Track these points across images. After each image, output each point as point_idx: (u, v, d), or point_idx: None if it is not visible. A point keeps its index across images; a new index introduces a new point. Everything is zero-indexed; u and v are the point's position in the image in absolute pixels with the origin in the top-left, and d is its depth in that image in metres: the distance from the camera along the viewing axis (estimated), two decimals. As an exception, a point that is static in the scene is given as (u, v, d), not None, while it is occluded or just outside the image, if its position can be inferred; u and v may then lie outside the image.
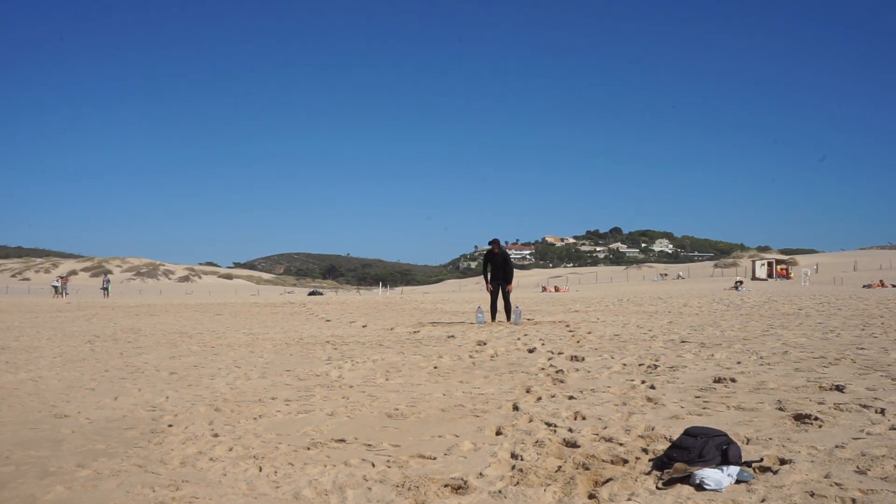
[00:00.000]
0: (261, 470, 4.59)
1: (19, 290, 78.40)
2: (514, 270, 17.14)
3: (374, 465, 4.60)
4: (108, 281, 62.49)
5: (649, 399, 6.44)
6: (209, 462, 4.82)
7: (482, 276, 17.43)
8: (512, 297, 17.07)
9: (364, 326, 16.86)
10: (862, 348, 9.56)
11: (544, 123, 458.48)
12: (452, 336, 13.32)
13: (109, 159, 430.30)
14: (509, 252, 19.01)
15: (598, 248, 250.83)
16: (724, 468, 4.04)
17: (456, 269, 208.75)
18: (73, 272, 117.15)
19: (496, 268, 16.72)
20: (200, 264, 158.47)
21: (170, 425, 6.04)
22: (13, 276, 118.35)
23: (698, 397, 6.45)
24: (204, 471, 4.62)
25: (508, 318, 16.55)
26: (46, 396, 7.55)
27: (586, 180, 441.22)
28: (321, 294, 74.62)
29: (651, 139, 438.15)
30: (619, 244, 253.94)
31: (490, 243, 17.03)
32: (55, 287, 58.80)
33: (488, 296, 16.97)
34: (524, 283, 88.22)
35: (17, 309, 29.92)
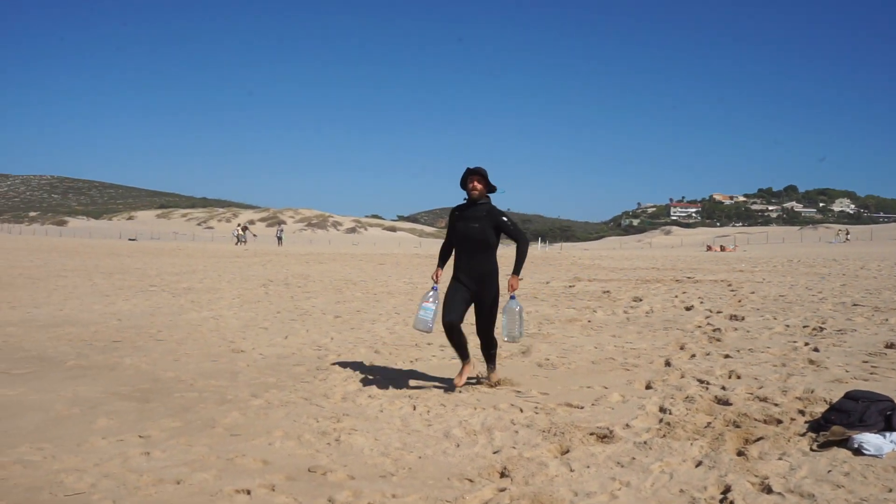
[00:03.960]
0: (414, 409, 4.85)
1: (204, 237, 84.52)
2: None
3: (522, 411, 4.74)
4: (282, 230, 66.15)
5: (811, 361, 6.19)
6: (367, 399, 5.14)
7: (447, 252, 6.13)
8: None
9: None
10: None
11: (712, 80, 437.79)
12: (608, 291, 13.21)
13: (290, 119, 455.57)
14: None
15: (770, 208, 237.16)
16: (887, 434, 3.85)
17: (618, 227, 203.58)
18: (251, 222, 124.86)
19: (469, 240, 5.74)
20: (366, 217, 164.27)
21: (333, 363, 6.46)
22: (199, 224, 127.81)
23: (866, 362, 6.13)
24: (363, 406, 4.94)
25: (488, 358, 5.79)
26: (225, 333, 8.25)
27: (759, 136, 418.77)
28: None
29: (834, 88, 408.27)
30: (794, 203, 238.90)
31: (465, 177, 5.89)
32: (236, 235, 62.64)
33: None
34: (687, 241, 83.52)
35: (201, 254, 32.36)
